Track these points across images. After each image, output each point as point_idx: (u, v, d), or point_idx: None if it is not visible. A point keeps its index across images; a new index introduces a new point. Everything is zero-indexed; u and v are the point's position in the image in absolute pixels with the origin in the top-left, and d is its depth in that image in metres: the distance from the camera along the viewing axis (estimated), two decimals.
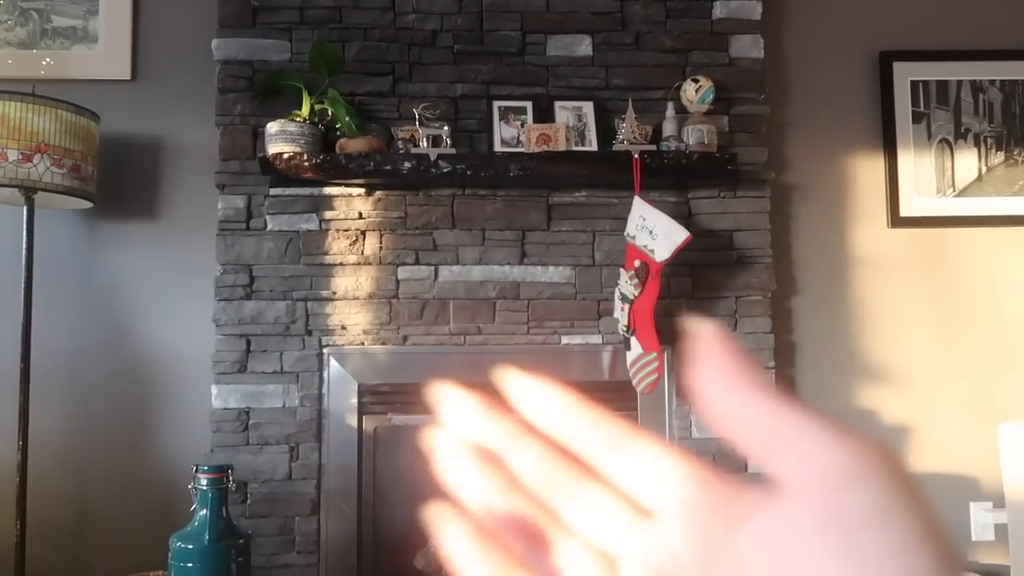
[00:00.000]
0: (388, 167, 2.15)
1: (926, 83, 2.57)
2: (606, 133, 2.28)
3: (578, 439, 0.26)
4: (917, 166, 2.54)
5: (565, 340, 2.29)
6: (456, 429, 0.27)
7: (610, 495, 0.25)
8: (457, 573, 0.24)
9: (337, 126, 2.20)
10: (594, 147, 2.27)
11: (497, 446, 0.26)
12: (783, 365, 2.39)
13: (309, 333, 2.24)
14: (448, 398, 0.27)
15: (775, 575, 0.21)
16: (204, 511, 1.76)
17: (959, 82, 2.58)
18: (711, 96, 2.27)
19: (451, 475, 0.27)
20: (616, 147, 2.22)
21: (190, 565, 1.72)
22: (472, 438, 0.27)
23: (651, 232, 2.10)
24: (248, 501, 2.18)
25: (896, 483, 0.20)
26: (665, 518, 0.24)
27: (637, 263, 2.12)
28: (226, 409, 2.20)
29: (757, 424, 0.22)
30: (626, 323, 2.13)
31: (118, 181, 2.36)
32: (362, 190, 2.27)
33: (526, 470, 0.26)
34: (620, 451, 0.25)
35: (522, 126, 2.27)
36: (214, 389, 2.21)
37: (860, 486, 0.20)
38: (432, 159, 2.15)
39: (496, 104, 2.31)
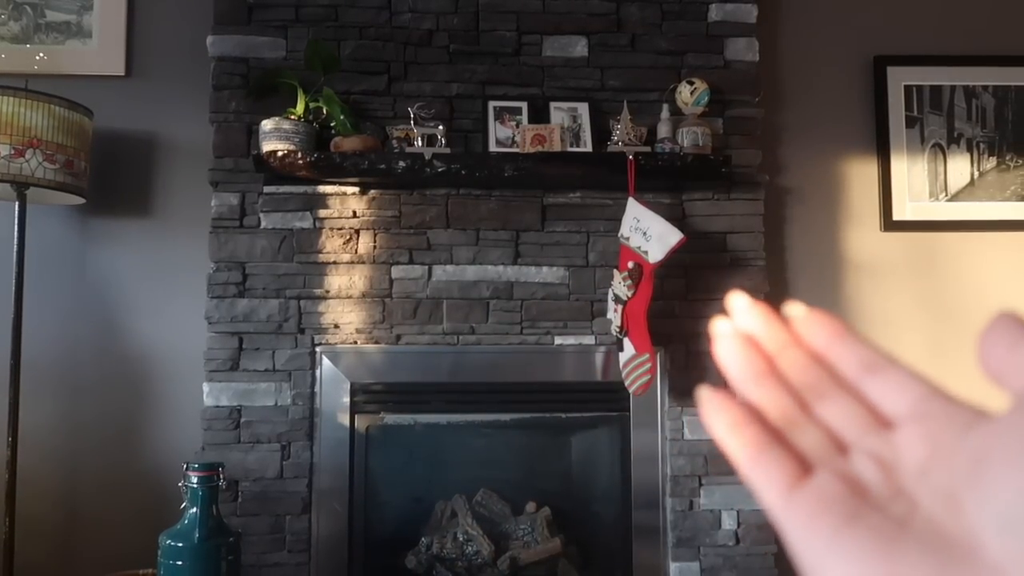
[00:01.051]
0: (382, 166, 2.15)
1: (920, 88, 2.58)
2: (601, 134, 2.29)
3: (838, 356, 0.29)
4: (910, 170, 2.56)
5: (558, 340, 2.29)
6: (739, 321, 0.31)
7: (857, 403, 0.28)
8: (723, 448, 0.28)
9: (332, 124, 2.20)
10: (589, 148, 2.27)
11: (770, 346, 0.30)
12: None
13: (302, 331, 2.23)
14: (739, 302, 0.32)
15: (986, 470, 0.22)
16: (194, 509, 1.75)
17: (952, 87, 2.59)
18: (706, 98, 2.28)
19: (722, 354, 0.30)
20: (611, 148, 2.23)
21: (180, 563, 1.72)
22: (749, 331, 0.30)
23: (645, 233, 2.10)
24: (239, 499, 2.17)
25: None
26: (905, 425, 0.26)
27: (631, 264, 2.12)
28: (217, 407, 2.19)
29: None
30: (619, 324, 2.13)
31: (111, 177, 2.35)
32: (356, 189, 2.27)
33: (789, 368, 0.29)
34: (873, 369, 0.28)
35: (517, 126, 2.27)
36: (206, 387, 2.20)
37: None
38: (427, 158, 2.15)
39: (491, 104, 2.31)
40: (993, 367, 0.25)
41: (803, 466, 0.26)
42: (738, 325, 0.31)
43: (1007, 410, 0.23)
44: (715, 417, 0.28)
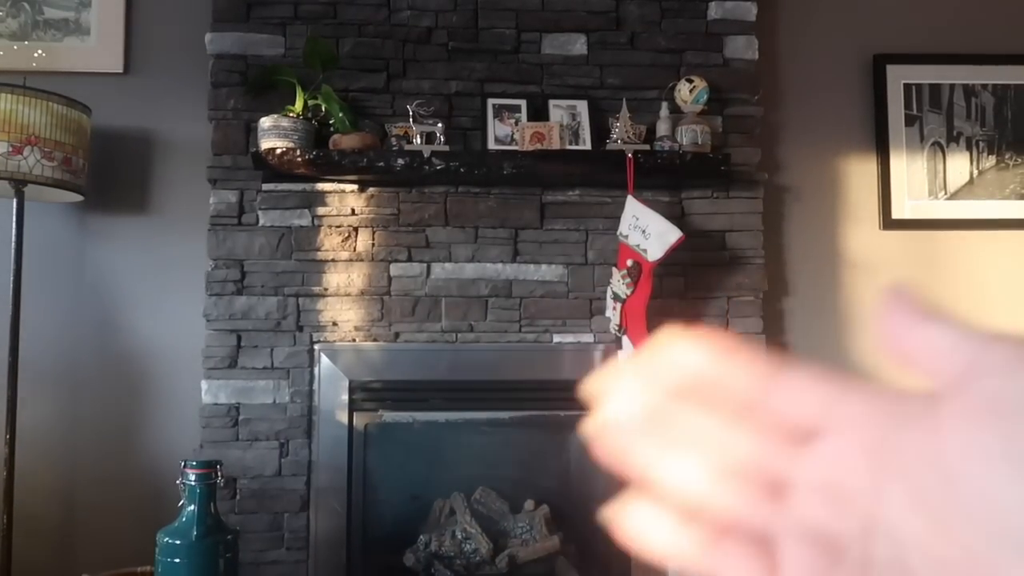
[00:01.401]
0: (381, 164, 2.15)
1: (919, 86, 2.58)
2: (600, 132, 2.28)
3: (733, 384, 0.25)
4: (909, 169, 2.55)
5: (557, 338, 2.29)
6: (619, 404, 0.26)
7: (770, 427, 0.24)
8: (671, 557, 0.24)
9: (330, 122, 2.20)
10: (588, 146, 2.27)
11: (659, 403, 0.26)
12: None
13: (300, 329, 2.23)
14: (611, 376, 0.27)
15: (940, 474, 0.20)
16: (192, 506, 1.75)
17: (952, 86, 2.59)
18: (705, 97, 2.27)
19: (628, 448, 0.26)
20: (610, 146, 2.22)
21: (177, 561, 1.71)
22: (636, 403, 0.26)
23: (644, 231, 2.10)
24: (237, 497, 2.17)
25: None
26: (830, 434, 0.23)
27: (630, 262, 2.12)
28: (216, 404, 2.19)
29: (928, 345, 0.22)
30: (618, 322, 2.13)
31: (109, 175, 2.35)
32: (355, 186, 2.26)
33: (687, 421, 0.25)
34: (775, 385, 0.24)
35: (516, 124, 2.26)
36: (204, 384, 2.20)
37: (1014, 373, 0.20)
38: (425, 156, 2.15)
39: (490, 102, 2.30)
40: (902, 349, 0.23)
41: (762, 542, 0.23)
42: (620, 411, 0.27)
43: (941, 399, 0.21)
44: (652, 525, 0.24)
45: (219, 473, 1.80)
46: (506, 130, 2.28)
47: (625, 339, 2.13)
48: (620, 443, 0.26)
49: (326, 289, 2.24)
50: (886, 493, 0.22)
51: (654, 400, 0.26)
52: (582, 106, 2.31)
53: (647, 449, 0.25)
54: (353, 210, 2.26)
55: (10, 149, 1.96)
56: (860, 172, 2.56)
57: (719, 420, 0.25)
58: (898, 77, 2.57)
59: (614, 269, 2.17)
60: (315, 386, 2.22)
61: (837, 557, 0.22)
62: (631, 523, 0.25)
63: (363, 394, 2.25)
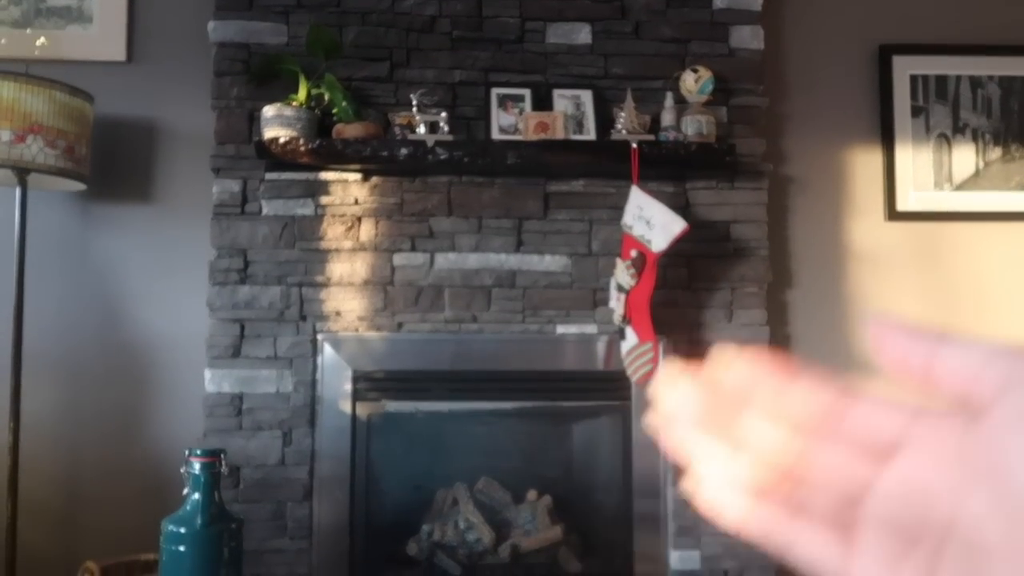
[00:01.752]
0: (385, 153, 2.14)
1: (925, 77, 2.57)
2: (604, 122, 2.27)
3: (803, 406, 0.26)
4: (915, 160, 2.54)
5: (560, 329, 2.29)
6: (683, 398, 0.28)
7: (846, 445, 0.25)
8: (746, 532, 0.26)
9: (334, 111, 2.19)
10: (592, 136, 2.26)
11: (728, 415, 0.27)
12: None
13: (303, 319, 2.23)
14: (668, 380, 0.28)
15: (1002, 479, 0.21)
16: (196, 495, 1.75)
17: (958, 77, 2.57)
18: (710, 87, 2.26)
19: (682, 440, 0.27)
20: (614, 136, 2.21)
21: (182, 549, 1.72)
22: (698, 408, 0.27)
23: (648, 222, 2.09)
24: (240, 486, 2.17)
25: None
26: (908, 448, 0.24)
27: (634, 253, 2.11)
28: (219, 393, 2.19)
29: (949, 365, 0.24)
30: (622, 313, 2.13)
31: (112, 163, 2.34)
32: (358, 176, 2.26)
33: (756, 432, 0.27)
34: (850, 405, 0.26)
35: (520, 114, 2.26)
36: (207, 373, 2.20)
37: None
38: (429, 146, 2.14)
39: (494, 91, 2.29)
40: (926, 374, 0.24)
41: (837, 524, 0.24)
42: (684, 377, 0.28)
43: (981, 414, 0.23)
44: (728, 497, 0.26)
45: (223, 462, 1.80)
46: (510, 120, 2.27)
47: (629, 330, 2.13)
48: (681, 436, 0.27)
49: (329, 279, 2.24)
50: (968, 498, 0.23)
51: (718, 400, 0.27)
52: (586, 96, 2.30)
53: (707, 444, 0.26)
54: (356, 199, 2.26)
55: (13, 137, 1.96)
56: (865, 163, 2.55)
57: (783, 429, 0.26)
58: (904, 68, 2.56)
59: (618, 260, 2.16)
60: (318, 376, 2.22)
61: (911, 547, 0.23)
62: (708, 494, 0.26)
63: (366, 384, 2.25)
